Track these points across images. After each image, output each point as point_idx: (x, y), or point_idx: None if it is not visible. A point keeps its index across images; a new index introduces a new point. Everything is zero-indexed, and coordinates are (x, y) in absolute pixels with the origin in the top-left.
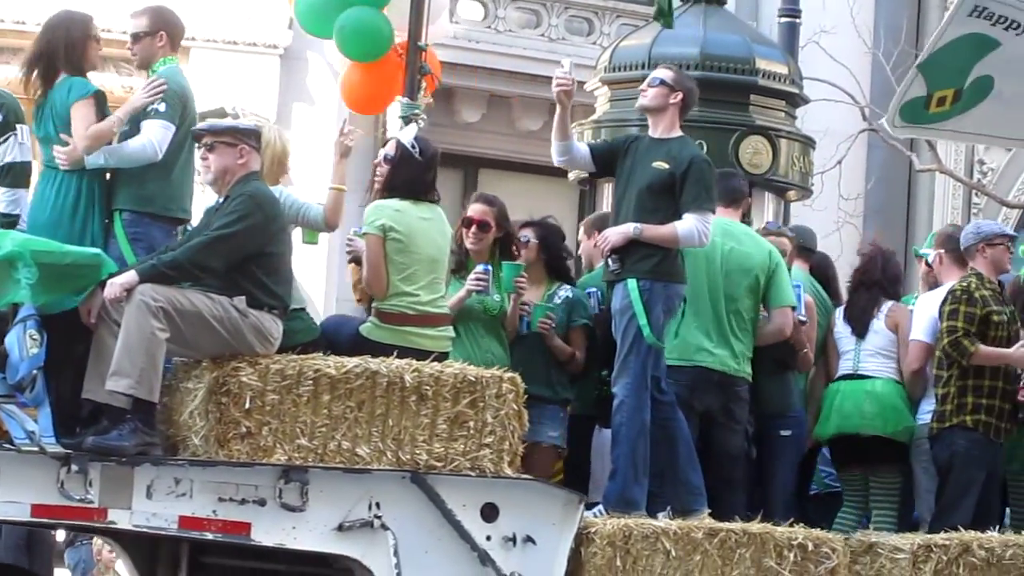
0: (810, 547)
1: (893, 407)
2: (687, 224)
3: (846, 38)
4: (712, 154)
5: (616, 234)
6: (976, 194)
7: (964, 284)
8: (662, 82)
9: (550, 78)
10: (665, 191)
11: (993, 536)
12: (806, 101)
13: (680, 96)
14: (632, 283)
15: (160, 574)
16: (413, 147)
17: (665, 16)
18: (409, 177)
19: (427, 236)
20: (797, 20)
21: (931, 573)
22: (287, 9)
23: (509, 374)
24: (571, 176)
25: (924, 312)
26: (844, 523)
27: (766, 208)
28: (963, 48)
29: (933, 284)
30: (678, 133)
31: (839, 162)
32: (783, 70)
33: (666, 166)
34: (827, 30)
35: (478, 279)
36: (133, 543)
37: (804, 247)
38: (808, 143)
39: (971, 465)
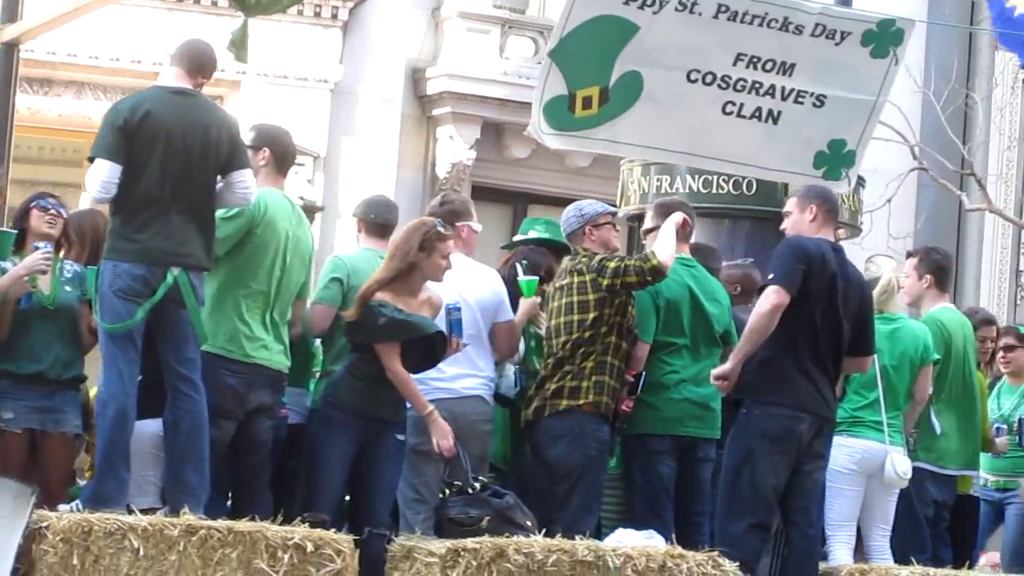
0: (309, 548)
1: None
2: None
3: (896, 76)
4: (761, 192)
5: None
6: None
7: (585, 259)
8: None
9: None
10: None
11: (536, 541)
12: None
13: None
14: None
15: None
16: None
17: (239, 49)
18: None
19: None
20: None
21: None
22: (338, 44)
23: None
24: (621, 212)
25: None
26: None
27: None
28: (597, 34)
29: None
30: None
31: (888, 201)
32: None
33: None
34: None
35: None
36: None
37: (378, 223)
38: (858, 181)
39: (602, 467)
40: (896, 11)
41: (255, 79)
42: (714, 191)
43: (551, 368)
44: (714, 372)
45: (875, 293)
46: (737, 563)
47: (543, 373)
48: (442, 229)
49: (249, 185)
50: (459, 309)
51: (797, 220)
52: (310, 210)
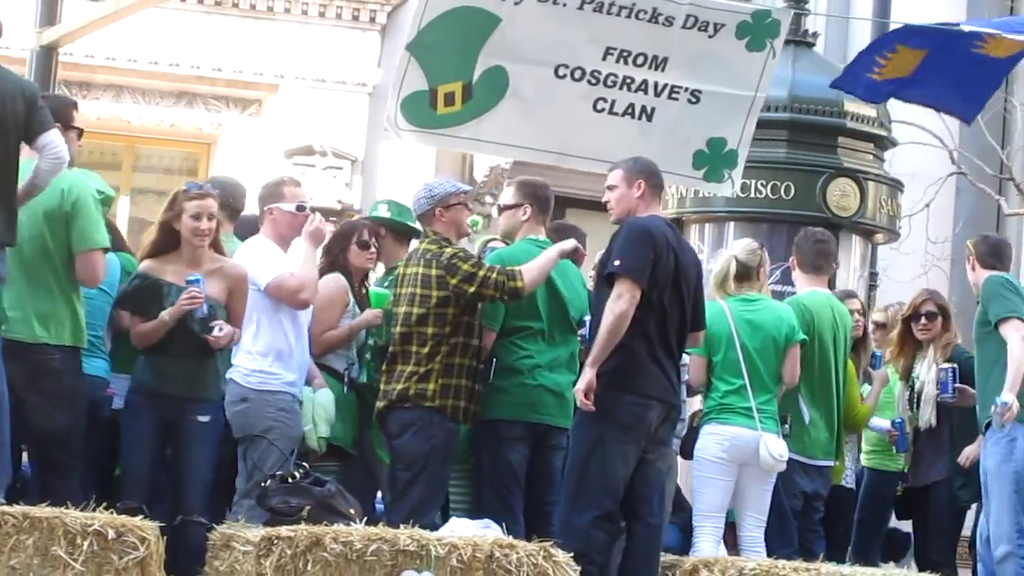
0: (111, 535)
1: None
2: None
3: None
4: (800, 196)
5: None
6: None
7: (434, 247)
8: None
9: None
10: None
11: (355, 529)
12: (894, 144)
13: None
14: None
15: None
16: None
17: None
18: None
19: None
20: None
21: (272, 568)
22: (376, 47)
23: None
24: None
25: None
26: None
27: (853, 251)
28: (457, 27)
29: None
30: None
31: (927, 205)
32: (871, 113)
33: None
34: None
35: None
36: None
37: (233, 206)
38: (896, 186)
39: (448, 459)
40: (936, 14)
41: (293, 82)
42: (752, 195)
43: (388, 363)
44: (576, 390)
45: (713, 277)
46: (572, 554)
47: (385, 365)
48: (192, 189)
49: (58, 145)
50: (197, 281)
51: (623, 195)
52: (347, 213)
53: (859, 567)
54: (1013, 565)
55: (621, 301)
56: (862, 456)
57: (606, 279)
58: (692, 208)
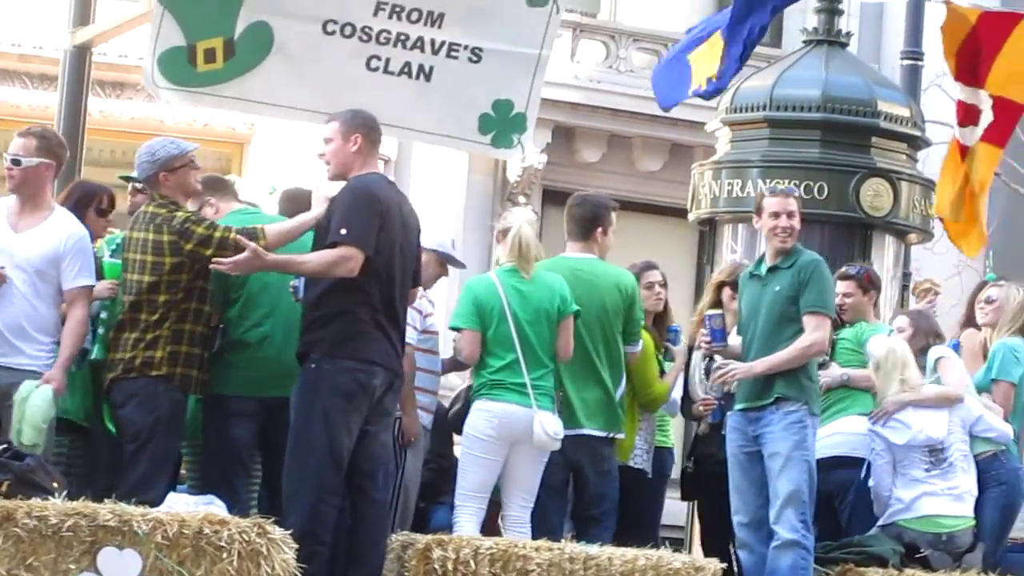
0: None
1: None
2: None
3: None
4: (833, 196)
5: None
6: None
7: (163, 210)
8: None
9: (671, 119)
10: None
11: (52, 504)
12: (928, 144)
13: None
14: None
15: None
16: None
17: None
18: None
19: None
20: (919, 63)
21: None
22: None
23: None
24: (691, 216)
25: None
26: None
27: (887, 251)
28: None
29: None
30: None
31: None
32: (905, 113)
33: None
34: (949, 73)
35: None
36: None
37: None
38: (929, 186)
39: (176, 431)
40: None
41: None
42: None
43: (115, 332)
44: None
45: (509, 251)
46: (292, 532)
47: (112, 334)
48: None
49: None
50: None
51: (339, 149)
52: None
53: (610, 547)
54: (794, 555)
55: (342, 267)
56: None
57: (330, 247)
58: (725, 208)
